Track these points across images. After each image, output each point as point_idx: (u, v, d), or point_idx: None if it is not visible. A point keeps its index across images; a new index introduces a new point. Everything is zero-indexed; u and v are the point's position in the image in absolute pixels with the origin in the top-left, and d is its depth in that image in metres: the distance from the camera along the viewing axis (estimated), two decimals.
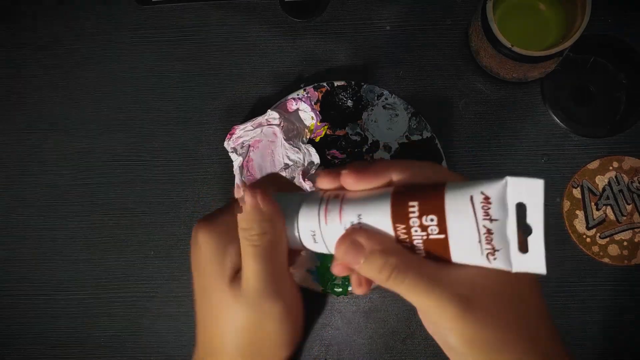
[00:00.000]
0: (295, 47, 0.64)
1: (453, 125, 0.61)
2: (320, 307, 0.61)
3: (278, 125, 0.59)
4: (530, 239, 0.28)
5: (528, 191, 0.27)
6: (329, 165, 0.60)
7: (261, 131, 0.59)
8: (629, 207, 0.59)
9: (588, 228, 0.59)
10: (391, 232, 0.30)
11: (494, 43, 0.54)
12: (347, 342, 0.61)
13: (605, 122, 0.60)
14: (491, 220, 0.28)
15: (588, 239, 0.59)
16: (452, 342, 0.30)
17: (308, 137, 0.61)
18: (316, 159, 0.59)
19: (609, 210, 0.59)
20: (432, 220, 0.29)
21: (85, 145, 0.64)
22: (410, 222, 0.29)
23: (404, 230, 0.30)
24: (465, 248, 0.29)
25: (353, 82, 0.61)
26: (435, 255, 0.30)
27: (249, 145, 0.60)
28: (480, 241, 0.28)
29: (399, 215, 0.30)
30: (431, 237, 0.29)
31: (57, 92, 0.65)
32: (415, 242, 0.30)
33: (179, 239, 0.62)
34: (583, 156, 0.61)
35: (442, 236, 0.29)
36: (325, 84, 0.61)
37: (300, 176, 0.58)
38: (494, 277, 0.30)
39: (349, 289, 0.58)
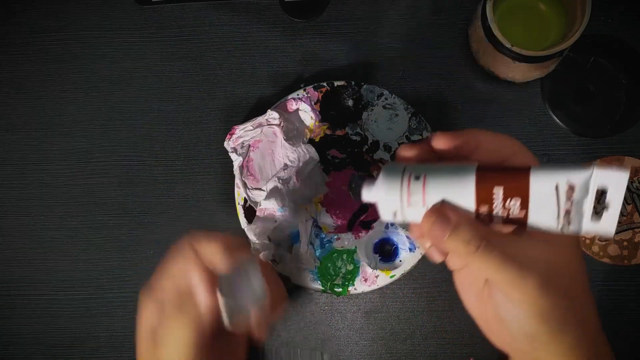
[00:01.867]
0: (295, 47, 0.64)
1: (453, 125, 0.62)
2: (320, 307, 0.62)
3: (278, 125, 0.59)
4: (606, 213, 0.30)
5: (613, 181, 0.30)
6: (328, 165, 0.61)
7: (261, 131, 0.60)
8: (629, 207, 0.59)
9: None
10: (472, 212, 0.33)
11: (494, 43, 0.54)
12: (347, 342, 0.61)
13: (605, 122, 0.60)
14: (572, 202, 0.31)
15: (587, 240, 0.60)
16: (521, 316, 0.32)
17: (308, 137, 0.61)
18: (316, 158, 0.59)
19: None
20: (514, 203, 0.32)
21: (84, 145, 0.64)
22: (494, 204, 0.32)
23: (486, 211, 0.32)
24: (543, 221, 0.32)
25: (353, 82, 0.61)
26: (510, 227, 0.33)
27: (249, 145, 0.60)
28: (558, 217, 0.31)
29: (484, 198, 0.32)
30: (511, 215, 0.32)
31: (56, 92, 0.65)
32: (495, 219, 0.33)
33: (178, 239, 0.59)
34: (583, 156, 0.61)
35: (522, 215, 0.32)
36: (325, 84, 0.61)
37: (294, 175, 0.59)
38: (564, 261, 0.33)
39: (349, 289, 0.58)
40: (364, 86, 0.61)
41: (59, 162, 0.65)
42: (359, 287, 0.59)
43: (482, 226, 0.33)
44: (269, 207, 0.59)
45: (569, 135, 0.61)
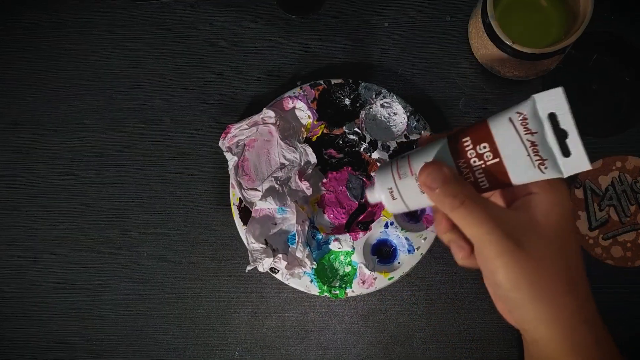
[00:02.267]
0: (292, 44, 0.64)
1: (452, 124, 0.61)
2: (318, 310, 0.61)
3: (274, 124, 0.59)
4: (568, 141, 0.33)
5: (553, 101, 0.33)
6: (325, 165, 0.60)
7: (257, 130, 0.59)
8: (632, 208, 0.59)
9: (591, 229, 0.59)
10: (455, 170, 0.36)
11: (495, 40, 0.54)
12: (345, 346, 0.61)
13: (608, 121, 0.60)
14: (532, 133, 0.33)
15: (591, 240, 0.59)
16: (499, 277, 0.34)
17: (305, 136, 0.60)
18: (313, 158, 0.59)
19: (612, 211, 0.59)
20: (485, 147, 0.34)
21: (76, 144, 0.64)
22: (468, 154, 0.35)
23: (464, 164, 0.35)
24: (519, 164, 0.34)
25: (351, 80, 0.61)
26: (497, 182, 0.35)
27: (244, 145, 0.60)
28: (529, 154, 0.33)
29: (458, 151, 0.35)
30: (488, 163, 0.35)
31: (47, 90, 0.64)
32: (477, 173, 0.35)
33: (172, 241, 0.62)
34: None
35: (497, 160, 0.34)
36: (322, 82, 0.61)
37: (297, 176, 0.58)
38: (548, 225, 0.35)
39: (347, 291, 0.58)
40: (362, 84, 0.61)
41: (50, 162, 0.64)
42: (356, 289, 0.58)
43: (469, 186, 0.35)
44: (265, 208, 0.58)
45: None
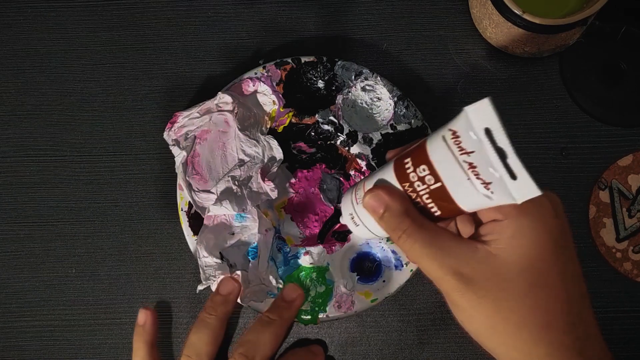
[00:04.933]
0: (253, 13, 0.64)
1: (450, 112, 0.59)
2: (294, 343, 0.60)
3: (231, 111, 0.58)
4: (509, 162, 0.33)
5: (485, 114, 0.33)
6: (294, 162, 0.59)
7: (210, 119, 0.58)
8: None
9: (619, 240, 0.59)
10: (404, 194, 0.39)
11: (501, 9, 0.54)
12: None
13: (639, 107, 0.61)
14: (467, 153, 0.34)
15: (619, 254, 0.59)
16: (455, 314, 0.37)
17: (269, 126, 0.60)
18: (278, 153, 0.58)
19: None
20: (424, 169, 0.36)
21: None
22: (410, 177, 0.37)
23: (410, 189, 0.38)
24: (462, 189, 0.35)
25: (325, 58, 0.60)
26: (448, 210, 0.37)
27: (195, 137, 0.58)
28: (469, 178, 0.34)
29: (401, 175, 0.38)
30: (431, 187, 0.36)
31: None
32: (424, 198, 0.37)
33: (107, 254, 0.61)
34: (612, 150, 0.60)
35: (439, 184, 0.36)
36: (290, 60, 0.60)
37: (259, 175, 0.57)
38: (510, 258, 0.35)
39: (320, 315, 0.57)
40: (339, 63, 0.60)
41: None
42: (331, 313, 0.57)
43: (416, 215, 0.37)
44: (220, 214, 0.57)
45: (595, 124, 0.61)
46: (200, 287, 0.55)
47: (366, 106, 0.60)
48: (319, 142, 0.60)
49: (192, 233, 0.58)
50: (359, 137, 0.59)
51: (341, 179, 0.59)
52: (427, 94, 0.62)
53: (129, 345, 0.59)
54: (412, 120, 0.59)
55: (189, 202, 0.58)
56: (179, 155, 0.58)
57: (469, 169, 0.34)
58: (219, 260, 0.56)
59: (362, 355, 0.59)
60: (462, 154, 0.34)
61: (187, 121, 0.58)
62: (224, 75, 0.62)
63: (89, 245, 0.61)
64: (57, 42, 0.64)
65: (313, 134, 0.60)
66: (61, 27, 0.64)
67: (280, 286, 0.57)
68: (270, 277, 0.57)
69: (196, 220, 0.58)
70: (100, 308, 0.61)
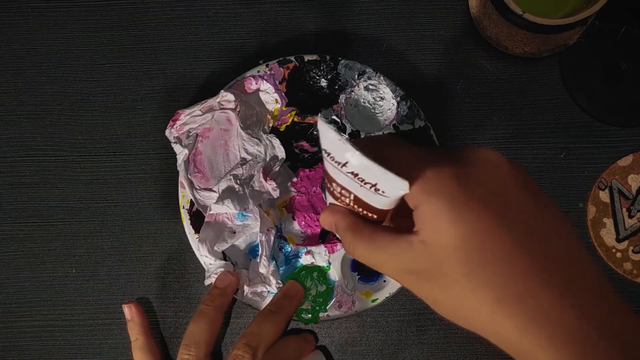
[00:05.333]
0: (253, 13, 0.64)
1: (451, 112, 0.61)
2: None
3: (233, 109, 0.58)
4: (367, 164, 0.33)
5: (323, 133, 0.33)
6: (296, 161, 0.59)
7: (212, 117, 0.58)
8: None
9: (618, 240, 0.58)
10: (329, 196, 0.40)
11: (501, 9, 0.54)
12: None
13: (639, 107, 0.60)
14: (345, 165, 0.34)
15: (618, 254, 0.58)
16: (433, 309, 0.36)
17: (271, 124, 0.60)
18: (281, 152, 0.58)
19: None
20: (337, 186, 0.37)
21: None
22: (336, 194, 0.38)
23: (342, 203, 0.38)
24: (366, 194, 0.35)
25: (328, 57, 0.60)
26: (373, 210, 0.37)
27: (197, 135, 0.58)
28: (361, 185, 0.34)
29: (331, 193, 0.39)
30: (351, 198, 0.37)
31: None
32: (355, 207, 0.38)
33: (107, 254, 0.61)
34: (612, 150, 0.60)
35: (352, 195, 0.36)
36: (292, 59, 0.60)
37: (261, 174, 0.57)
38: (441, 241, 0.33)
39: (320, 315, 0.57)
40: (342, 62, 0.60)
41: None
42: (332, 313, 0.57)
43: (353, 223, 0.38)
44: (222, 213, 0.57)
45: (595, 124, 0.60)
46: (207, 282, 0.56)
47: (369, 105, 0.60)
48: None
49: (193, 231, 0.58)
50: (362, 136, 0.59)
51: None
52: (427, 93, 0.61)
53: (128, 345, 0.59)
54: (415, 120, 0.58)
55: (191, 200, 0.58)
56: (181, 153, 0.58)
57: (355, 178, 0.34)
58: (220, 260, 0.57)
59: (362, 355, 0.59)
60: (341, 167, 0.34)
61: (189, 119, 0.58)
62: (224, 75, 0.62)
63: (89, 245, 0.61)
64: (57, 42, 0.64)
65: (315, 133, 0.59)
66: (61, 27, 0.64)
67: (280, 286, 0.57)
68: (271, 277, 0.57)
69: (198, 219, 0.58)
70: (100, 308, 0.60)
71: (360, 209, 0.37)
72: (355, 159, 0.33)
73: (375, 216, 0.37)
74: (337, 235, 0.40)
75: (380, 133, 0.59)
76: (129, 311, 0.57)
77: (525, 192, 0.34)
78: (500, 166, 0.35)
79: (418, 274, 0.34)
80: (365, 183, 0.34)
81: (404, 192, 0.33)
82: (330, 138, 0.33)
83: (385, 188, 0.33)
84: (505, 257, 0.32)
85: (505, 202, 0.33)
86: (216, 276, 0.56)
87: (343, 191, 0.36)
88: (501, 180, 0.34)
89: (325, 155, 0.35)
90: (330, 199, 0.40)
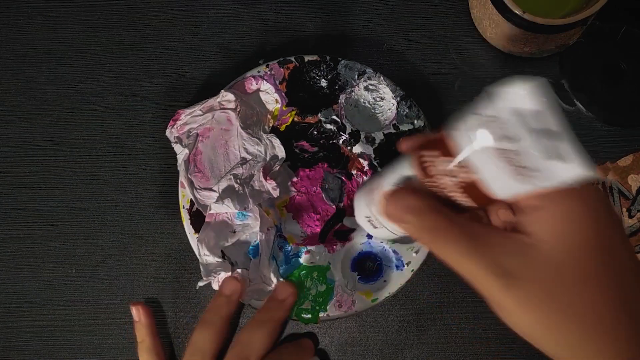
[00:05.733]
0: (253, 13, 0.64)
1: (451, 112, 0.59)
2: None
3: (234, 109, 0.58)
4: (558, 143, 0.30)
5: (528, 91, 0.30)
6: (296, 160, 0.59)
7: (212, 117, 0.58)
8: None
9: None
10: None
11: (501, 9, 0.54)
12: None
13: (639, 107, 0.60)
14: (507, 138, 0.30)
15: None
16: (501, 316, 0.33)
17: (271, 124, 0.60)
18: (281, 152, 0.58)
19: None
20: (454, 160, 0.33)
21: None
22: (436, 171, 0.34)
23: (434, 183, 0.35)
24: (498, 175, 0.31)
25: (328, 57, 0.60)
26: (480, 198, 0.33)
27: (197, 134, 0.58)
28: (509, 163, 0.31)
29: (424, 168, 0.35)
30: (462, 177, 0.33)
31: None
32: (452, 190, 0.34)
33: (107, 254, 0.61)
34: (612, 150, 0.60)
35: (468, 171, 0.32)
36: (293, 59, 0.60)
37: (261, 174, 0.57)
38: (560, 247, 0.31)
39: (320, 315, 0.57)
40: (342, 62, 0.60)
41: None
42: (332, 312, 0.57)
43: (443, 212, 0.34)
44: (222, 212, 0.57)
45: (594, 124, 0.60)
46: (200, 284, 0.55)
47: (369, 106, 0.60)
48: (321, 141, 0.60)
49: (193, 231, 0.58)
50: (362, 136, 0.59)
51: (343, 178, 0.59)
52: (427, 93, 0.61)
53: (129, 345, 0.60)
54: (415, 121, 0.58)
55: (191, 199, 0.58)
56: (181, 153, 0.58)
57: (509, 154, 0.31)
58: (220, 259, 0.56)
59: (362, 355, 0.59)
60: (500, 138, 0.31)
61: (190, 119, 0.58)
62: (224, 76, 0.62)
63: (89, 245, 0.61)
64: (57, 42, 0.64)
65: (315, 133, 0.59)
66: (61, 27, 0.64)
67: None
68: (272, 276, 0.56)
69: (198, 218, 0.58)
70: (100, 308, 0.60)
71: (459, 192, 0.34)
72: (559, 132, 0.30)
73: (469, 204, 0.34)
74: (399, 222, 0.36)
75: (381, 133, 0.58)
76: (137, 313, 0.57)
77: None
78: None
79: (513, 276, 0.31)
80: (518, 164, 0.31)
81: (577, 180, 0.30)
82: (531, 98, 0.30)
83: (550, 173, 0.30)
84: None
85: (612, 238, 0.32)
86: (215, 276, 0.56)
87: (458, 167, 0.33)
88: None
89: (481, 117, 0.31)
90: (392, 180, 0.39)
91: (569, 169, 0.30)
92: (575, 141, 0.29)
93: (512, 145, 0.30)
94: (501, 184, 0.32)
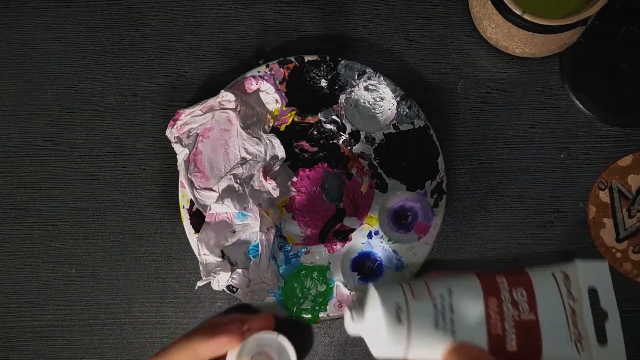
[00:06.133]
0: (253, 13, 0.64)
1: (451, 112, 0.61)
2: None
3: (234, 109, 0.58)
4: (607, 325, 0.34)
5: (596, 273, 0.34)
6: (296, 160, 0.59)
7: (212, 117, 0.58)
8: None
9: (618, 240, 0.58)
10: (482, 308, 0.35)
11: (501, 9, 0.53)
12: None
13: (639, 107, 0.60)
14: (574, 299, 0.34)
15: (618, 254, 0.58)
16: None
17: (271, 124, 0.60)
18: (281, 152, 0.58)
19: None
20: (522, 295, 0.34)
21: None
22: (502, 296, 0.35)
23: (496, 308, 0.35)
24: (556, 331, 0.34)
25: (328, 57, 0.60)
26: (527, 345, 0.34)
27: (197, 134, 0.58)
28: (568, 322, 0.33)
29: (490, 288, 0.35)
30: (523, 317, 0.34)
31: None
32: (506, 325, 0.34)
33: (107, 254, 0.61)
34: (612, 150, 0.60)
35: (532, 317, 0.34)
36: (293, 59, 0.60)
37: (261, 174, 0.57)
38: None
39: (320, 315, 0.57)
40: (342, 62, 0.60)
41: None
42: (332, 312, 0.57)
43: None
44: (222, 212, 0.57)
45: (595, 124, 0.60)
46: (200, 283, 0.55)
47: (369, 106, 0.60)
48: (321, 141, 0.60)
49: (193, 231, 0.58)
50: (362, 136, 0.59)
51: (343, 178, 0.59)
52: (427, 93, 0.61)
53: (129, 345, 0.60)
54: (415, 120, 0.58)
55: (191, 199, 0.58)
56: (181, 153, 0.58)
57: (571, 313, 0.33)
58: (219, 259, 0.56)
59: (362, 355, 0.59)
60: (568, 297, 0.34)
61: (190, 119, 0.58)
62: (223, 75, 0.62)
63: (89, 245, 0.61)
64: (57, 42, 0.63)
65: (315, 133, 0.60)
66: (61, 27, 0.64)
67: (282, 285, 0.57)
68: (272, 276, 0.56)
69: (197, 218, 0.58)
70: (100, 308, 0.60)
71: (512, 332, 0.34)
72: (611, 317, 0.34)
73: (514, 347, 0.34)
74: None
75: (381, 133, 0.58)
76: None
77: None
78: None
79: None
80: (574, 327, 0.34)
81: None
82: (601, 279, 0.35)
83: (589, 350, 0.33)
84: None
85: None
86: (215, 276, 0.55)
87: (524, 303, 0.35)
88: None
89: (559, 272, 0.35)
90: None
91: (610, 354, 0.33)
92: (619, 328, 0.34)
93: (574, 304, 0.34)
94: (551, 337, 0.34)
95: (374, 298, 0.36)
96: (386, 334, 0.34)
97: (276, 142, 0.58)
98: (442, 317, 0.34)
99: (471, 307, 0.34)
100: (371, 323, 0.35)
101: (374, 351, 0.35)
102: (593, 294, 0.33)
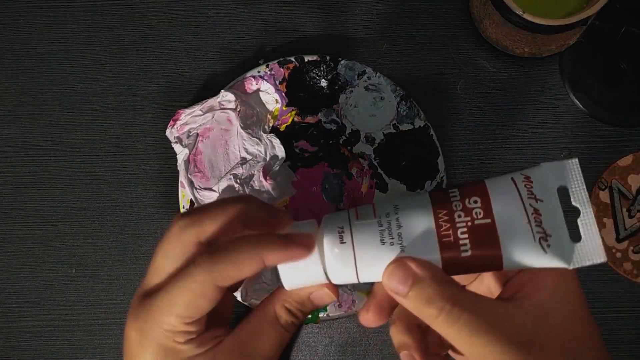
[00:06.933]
0: (253, 13, 0.63)
1: (451, 112, 0.61)
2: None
3: (234, 109, 0.58)
4: (580, 222, 0.32)
5: (566, 173, 0.33)
6: (296, 160, 0.59)
7: (212, 117, 0.58)
8: None
9: (618, 240, 0.58)
10: (432, 221, 0.33)
11: (501, 9, 0.53)
12: None
13: (639, 107, 0.60)
14: (536, 199, 0.33)
15: (618, 254, 0.58)
16: None
17: (271, 124, 0.60)
18: (281, 152, 0.58)
19: None
20: (475, 201, 0.33)
21: None
22: (453, 206, 0.33)
23: (445, 217, 0.33)
24: (515, 231, 0.32)
25: (328, 57, 0.60)
26: (484, 253, 0.32)
27: (197, 134, 0.59)
28: (529, 222, 0.32)
29: (439, 199, 0.34)
30: (476, 222, 0.32)
31: None
32: (459, 232, 0.32)
33: (107, 254, 0.61)
34: (612, 150, 0.60)
35: (487, 220, 0.32)
36: (293, 59, 0.60)
37: (261, 173, 0.57)
38: (559, 316, 0.32)
39: (320, 315, 0.57)
40: (342, 62, 0.60)
41: None
42: (332, 312, 0.57)
43: (451, 285, 0.32)
44: None
45: (595, 124, 0.60)
46: None
47: (369, 106, 0.60)
48: (321, 141, 0.59)
49: None
50: (362, 136, 0.59)
51: (343, 178, 0.59)
52: (427, 93, 0.61)
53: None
54: (415, 120, 0.58)
55: (191, 199, 0.58)
56: (181, 153, 0.58)
57: (532, 213, 0.32)
58: None
59: (362, 355, 0.59)
60: (530, 197, 0.32)
61: (190, 119, 0.58)
62: (223, 76, 0.62)
63: (89, 245, 0.61)
64: (57, 42, 0.63)
65: (315, 133, 0.59)
66: (61, 27, 0.63)
67: (279, 283, 0.57)
68: (271, 276, 0.56)
69: None
70: (100, 308, 0.60)
71: (465, 238, 0.33)
72: (584, 213, 0.32)
73: (469, 253, 0.33)
74: (398, 294, 0.32)
75: (381, 133, 0.59)
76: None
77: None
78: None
79: (531, 350, 0.30)
80: (538, 226, 0.32)
81: (585, 264, 0.32)
82: (572, 176, 0.33)
83: (561, 249, 0.32)
84: None
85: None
86: None
87: (477, 209, 0.33)
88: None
89: (518, 175, 0.33)
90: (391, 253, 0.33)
91: (585, 249, 0.32)
92: (595, 223, 0.32)
93: (537, 204, 0.33)
94: (512, 241, 0.32)
95: (320, 229, 0.35)
96: (331, 255, 0.34)
97: (276, 142, 0.58)
98: (388, 234, 0.33)
99: (418, 220, 0.33)
100: (322, 251, 0.34)
101: (331, 277, 0.34)
102: (564, 192, 0.33)
